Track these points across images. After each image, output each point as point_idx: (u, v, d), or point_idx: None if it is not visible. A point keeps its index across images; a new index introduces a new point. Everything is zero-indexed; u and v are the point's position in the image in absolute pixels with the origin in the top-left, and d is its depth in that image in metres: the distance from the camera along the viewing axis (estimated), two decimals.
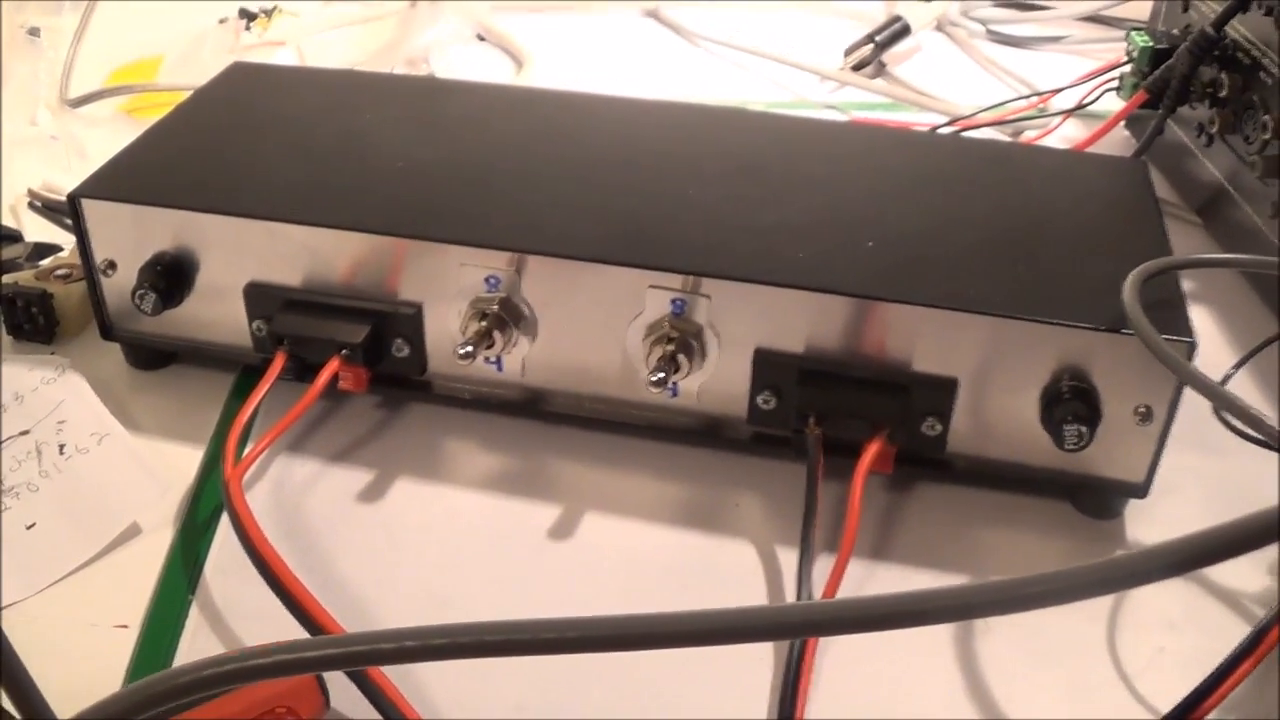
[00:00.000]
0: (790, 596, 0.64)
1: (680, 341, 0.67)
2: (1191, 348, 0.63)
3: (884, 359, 0.67)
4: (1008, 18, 1.40)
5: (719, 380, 0.69)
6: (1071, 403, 0.65)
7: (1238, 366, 0.78)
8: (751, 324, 0.67)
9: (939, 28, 1.39)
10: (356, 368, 0.72)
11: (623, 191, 0.74)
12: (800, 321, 0.67)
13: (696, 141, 0.81)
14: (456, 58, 1.29)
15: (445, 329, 0.71)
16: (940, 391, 0.67)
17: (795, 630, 0.35)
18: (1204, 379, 0.59)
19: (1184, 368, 0.60)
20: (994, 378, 0.66)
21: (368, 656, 0.37)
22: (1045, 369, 0.65)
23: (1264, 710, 0.59)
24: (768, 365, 0.68)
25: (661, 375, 0.66)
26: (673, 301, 0.67)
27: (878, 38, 1.27)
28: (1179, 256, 0.69)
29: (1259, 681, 0.60)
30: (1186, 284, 0.68)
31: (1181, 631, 0.64)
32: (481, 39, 1.34)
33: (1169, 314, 0.64)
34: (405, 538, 0.68)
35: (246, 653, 0.37)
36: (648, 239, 0.70)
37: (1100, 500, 0.70)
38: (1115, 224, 0.74)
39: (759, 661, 0.61)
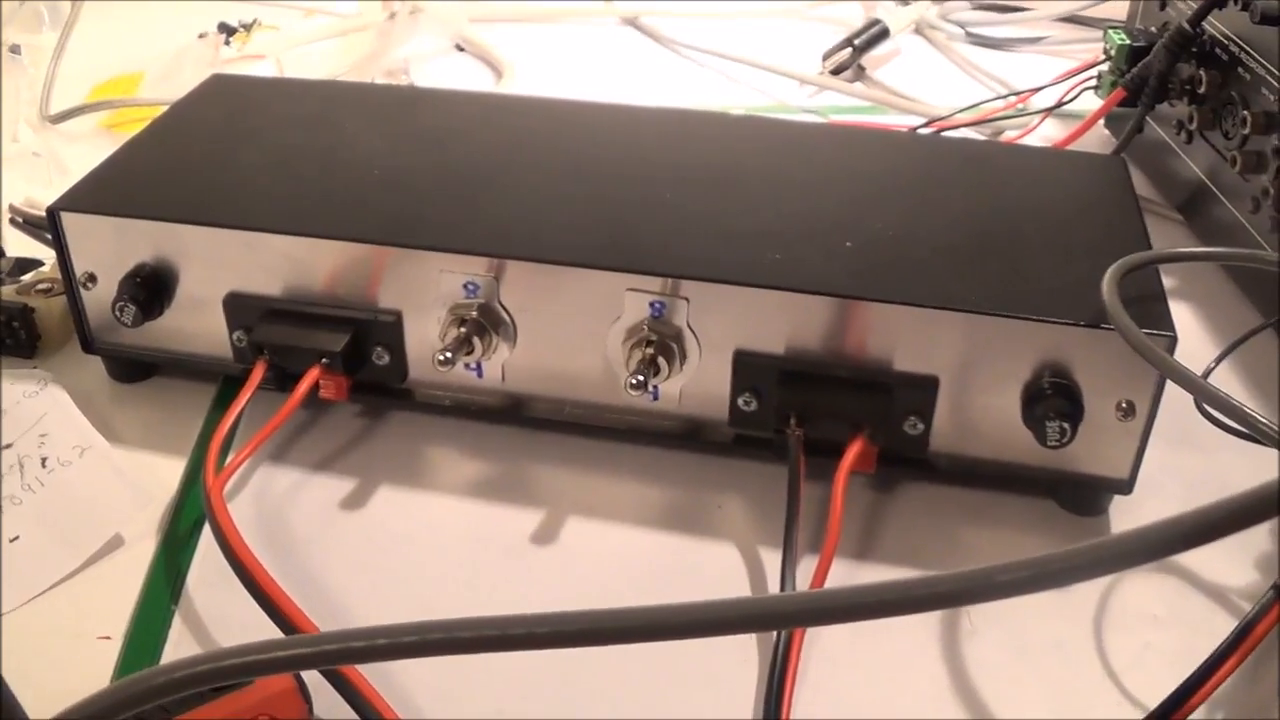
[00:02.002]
0: None
1: (660, 344, 0.67)
2: (1172, 342, 0.63)
3: (864, 358, 0.67)
4: (986, 20, 1.41)
5: (699, 382, 0.69)
6: (1053, 399, 0.65)
7: (1219, 360, 0.78)
8: (731, 326, 0.67)
9: (917, 31, 1.40)
10: (337, 376, 0.72)
11: (601, 196, 0.74)
12: (779, 322, 0.67)
13: (675, 146, 0.81)
14: (436, 69, 1.30)
15: (425, 336, 0.71)
16: (921, 390, 0.66)
17: (765, 622, 0.35)
18: (1186, 372, 0.59)
19: (1165, 361, 0.60)
20: (975, 375, 0.66)
21: (340, 655, 0.37)
22: (1026, 366, 0.65)
23: (1252, 705, 0.59)
24: (748, 367, 0.68)
25: (641, 378, 0.66)
26: (651, 304, 0.67)
27: (856, 41, 1.28)
28: (1158, 251, 0.69)
29: (1246, 676, 0.60)
30: (1168, 280, 0.68)
31: (1167, 627, 0.64)
32: (461, 50, 1.34)
33: (1149, 308, 0.64)
34: (388, 545, 0.68)
35: (220, 654, 0.36)
36: (626, 243, 0.70)
37: (1084, 497, 0.70)
38: (1094, 220, 0.74)
39: (744, 663, 0.61)
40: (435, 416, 0.76)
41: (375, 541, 0.68)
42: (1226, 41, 0.90)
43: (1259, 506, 0.33)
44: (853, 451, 0.66)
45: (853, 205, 0.74)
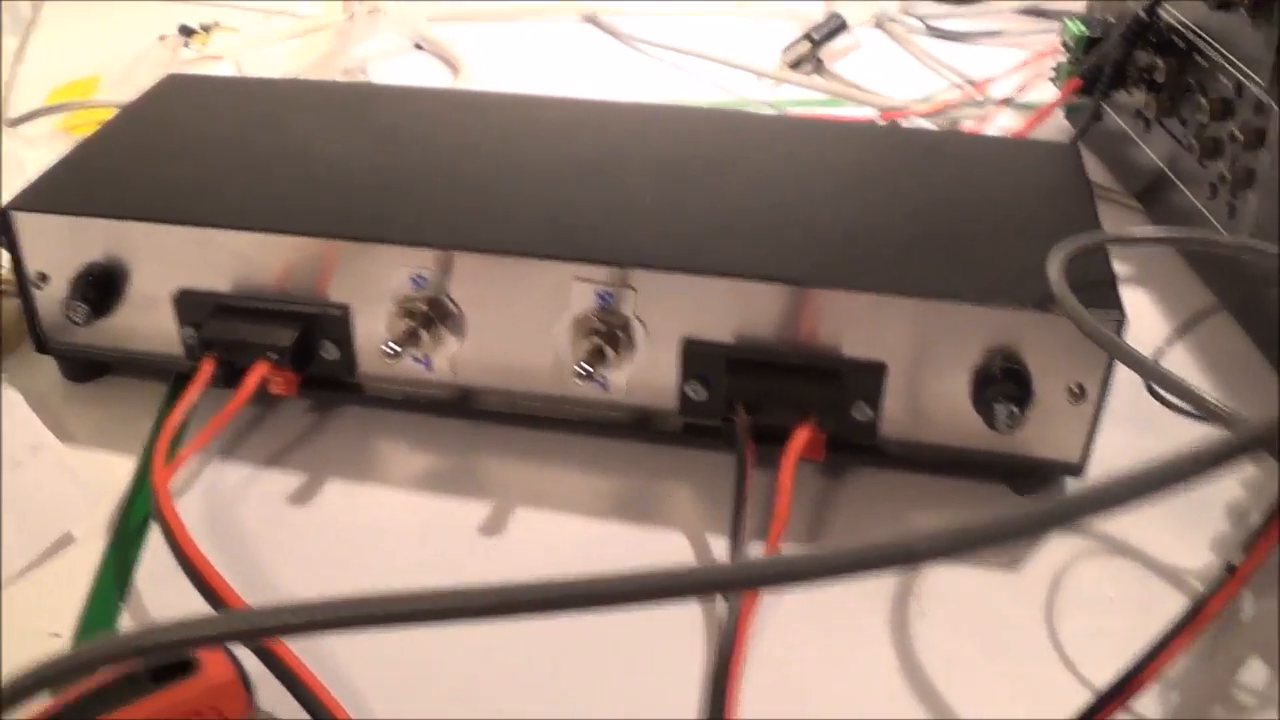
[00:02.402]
0: None
1: (607, 334, 0.67)
2: (1119, 323, 0.63)
3: (813, 345, 0.67)
4: (946, 12, 1.41)
5: (648, 372, 0.69)
6: (1002, 383, 0.65)
7: (1170, 342, 0.78)
8: (678, 314, 0.67)
9: (878, 25, 1.40)
10: (286, 371, 0.72)
11: (551, 188, 0.74)
12: (727, 311, 0.67)
13: (629, 138, 0.81)
14: (394, 68, 1.29)
15: (373, 330, 0.71)
16: (869, 376, 0.67)
17: (682, 589, 0.35)
18: (1132, 352, 0.59)
19: (1111, 341, 0.60)
20: (924, 361, 0.66)
21: (256, 631, 0.37)
22: (975, 350, 0.66)
23: (1208, 685, 0.59)
24: (696, 355, 0.68)
25: (587, 368, 0.66)
26: (599, 294, 0.67)
27: (814, 36, 1.28)
28: (1103, 233, 0.69)
29: (1203, 656, 0.61)
30: (1125, 266, 0.69)
31: (1121, 610, 0.64)
32: (420, 49, 1.34)
33: (1098, 291, 0.64)
34: (337, 539, 0.68)
35: (146, 630, 0.36)
36: (573, 233, 0.70)
37: (1036, 481, 0.70)
38: (1045, 206, 0.74)
39: (691, 652, 0.61)
40: (385, 410, 0.76)
41: (325, 535, 0.68)
42: (1183, 29, 0.90)
43: (1172, 473, 0.33)
44: (799, 438, 0.66)
45: (804, 194, 0.74)
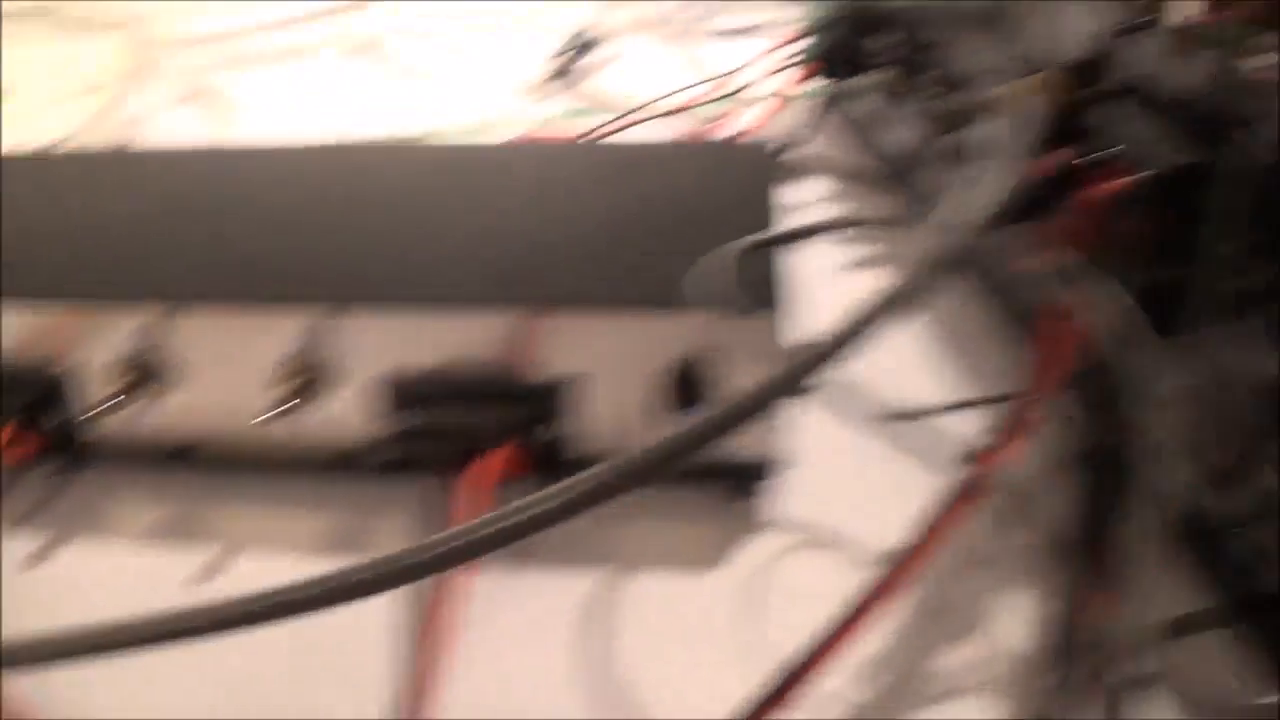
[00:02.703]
0: None
1: (307, 375, 0.70)
2: (774, 319, 0.66)
3: (504, 368, 0.69)
4: (711, 11, 1.42)
5: (352, 409, 0.72)
6: (683, 389, 0.67)
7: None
8: (377, 350, 0.70)
9: (640, 30, 1.41)
10: (21, 437, 0.74)
11: (267, 236, 0.77)
12: (424, 342, 0.69)
13: (348, 182, 0.84)
14: (167, 120, 1.30)
15: (99, 389, 0.73)
16: (560, 394, 0.69)
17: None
18: (794, 347, 0.61)
19: (768, 339, 0.62)
20: (609, 373, 0.69)
21: None
22: (657, 358, 0.68)
23: (910, 665, 0.62)
24: (395, 389, 0.70)
25: (283, 410, 0.69)
26: (299, 336, 0.70)
27: (571, 48, 1.31)
28: (755, 236, 0.72)
29: (906, 636, 0.63)
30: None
31: (832, 601, 0.63)
32: (193, 102, 1.34)
33: (761, 290, 0.67)
34: (75, 600, 0.70)
35: None
36: (275, 277, 0.72)
37: (730, 483, 0.72)
38: (727, 211, 0.76)
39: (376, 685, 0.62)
40: (118, 468, 0.77)
41: (63, 597, 0.70)
42: (906, 8, 0.92)
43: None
44: (489, 464, 0.68)
45: (503, 222, 0.77)
